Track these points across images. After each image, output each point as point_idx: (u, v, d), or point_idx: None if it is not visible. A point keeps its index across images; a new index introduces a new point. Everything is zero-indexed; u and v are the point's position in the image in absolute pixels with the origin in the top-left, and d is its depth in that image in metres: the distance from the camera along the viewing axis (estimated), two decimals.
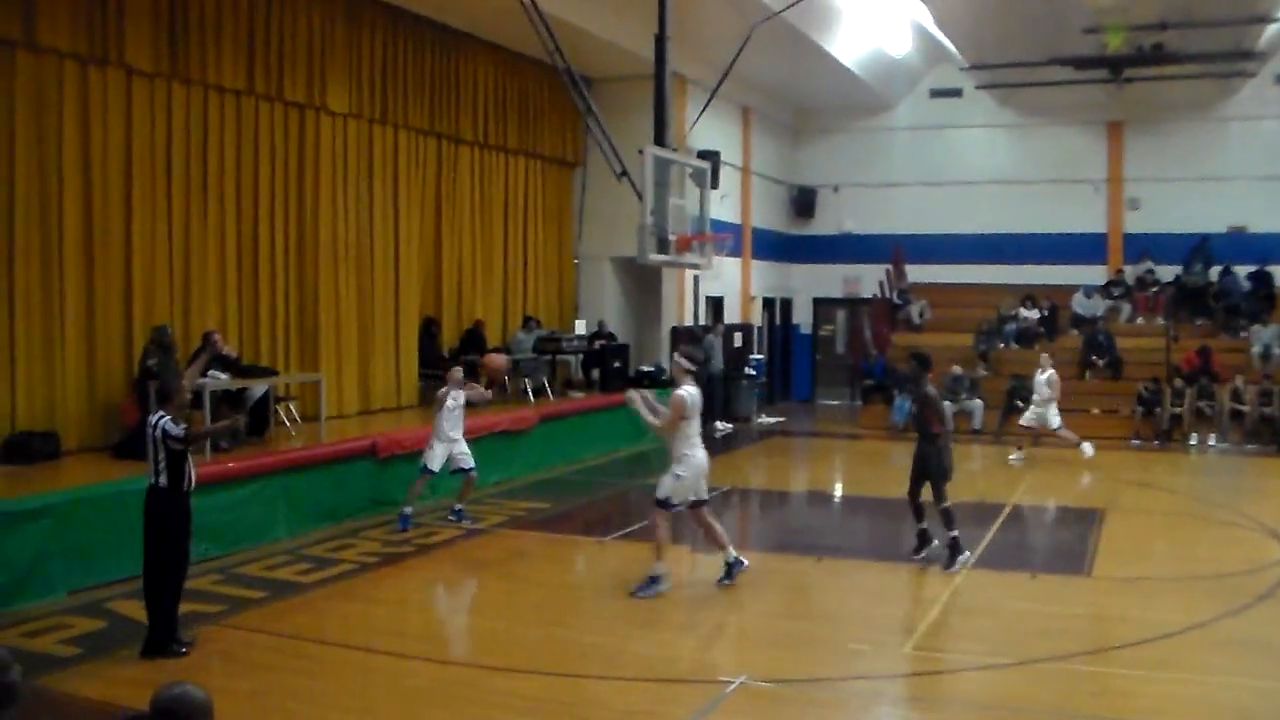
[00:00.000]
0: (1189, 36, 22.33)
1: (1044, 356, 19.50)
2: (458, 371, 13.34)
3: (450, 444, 12.81)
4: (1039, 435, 19.07)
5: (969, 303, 26.17)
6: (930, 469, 11.42)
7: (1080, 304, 25.26)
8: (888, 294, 27.09)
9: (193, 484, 8.48)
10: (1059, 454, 19.52)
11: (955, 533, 11.20)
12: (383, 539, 12.45)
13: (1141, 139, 26.39)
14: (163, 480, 8.21)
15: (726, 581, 10.28)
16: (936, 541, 11.49)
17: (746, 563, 10.48)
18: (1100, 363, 23.45)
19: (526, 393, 18.96)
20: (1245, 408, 21.27)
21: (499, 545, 12.52)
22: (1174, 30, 22.02)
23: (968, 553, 11.35)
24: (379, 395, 17.71)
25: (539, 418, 17.52)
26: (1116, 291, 25.66)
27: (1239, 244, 25.33)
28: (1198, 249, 25.41)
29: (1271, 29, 22.55)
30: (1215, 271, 25.11)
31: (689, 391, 9.97)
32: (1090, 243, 26.66)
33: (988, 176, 27.08)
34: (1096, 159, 26.72)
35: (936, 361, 22.20)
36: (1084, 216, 26.62)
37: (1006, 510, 14.76)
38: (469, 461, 12.91)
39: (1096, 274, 26.38)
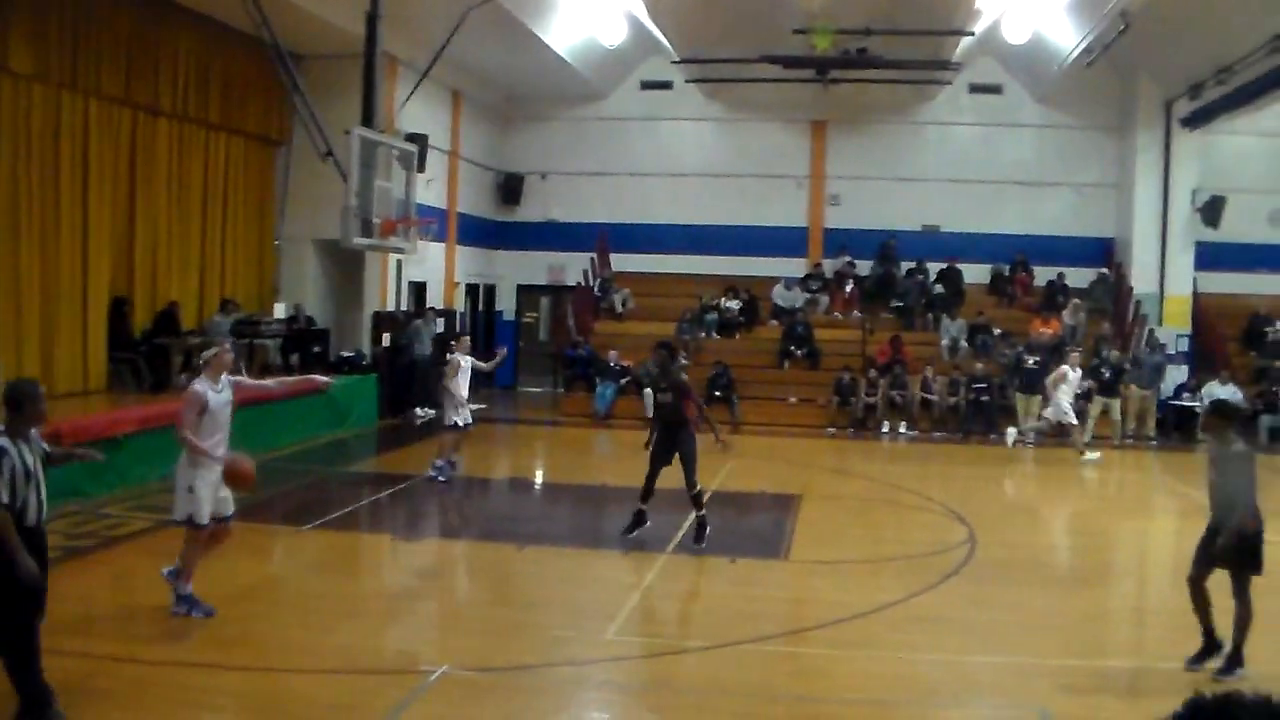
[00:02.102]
0: (892, 43, 24.01)
1: (1072, 358, 20.88)
2: (466, 340, 16.96)
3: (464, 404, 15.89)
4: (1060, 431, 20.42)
5: (673, 292, 27.60)
6: (684, 454, 12.19)
7: (780, 296, 27.05)
8: (591, 282, 28.23)
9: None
10: (768, 441, 21.12)
11: (704, 512, 12.18)
12: (65, 531, 11.86)
13: (843, 138, 28.65)
14: None
15: None
16: (649, 523, 12.24)
17: None
18: (799, 353, 25.22)
19: None
20: (934, 397, 23.47)
21: None
22: (878, 36, 23.59)
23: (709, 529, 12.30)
24: (63, 378, 17.17)
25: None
26: (815, 284, 27.60)
27: (932, 242, 27.98)
28: (886, 245, 27.72)
29: (966, 41, 24.57)
30: (906, 267, 27.63)
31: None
32: (791, 236, 28.54)
33: (695, 169, 28.69)
34: (800, 156, 28.73)
35: (638, 349, 23.40)
36: (786, 211, 28.57)
37: (706, 496, 15.38)
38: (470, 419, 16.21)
39: (797, 267, 28.25)
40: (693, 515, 12.35)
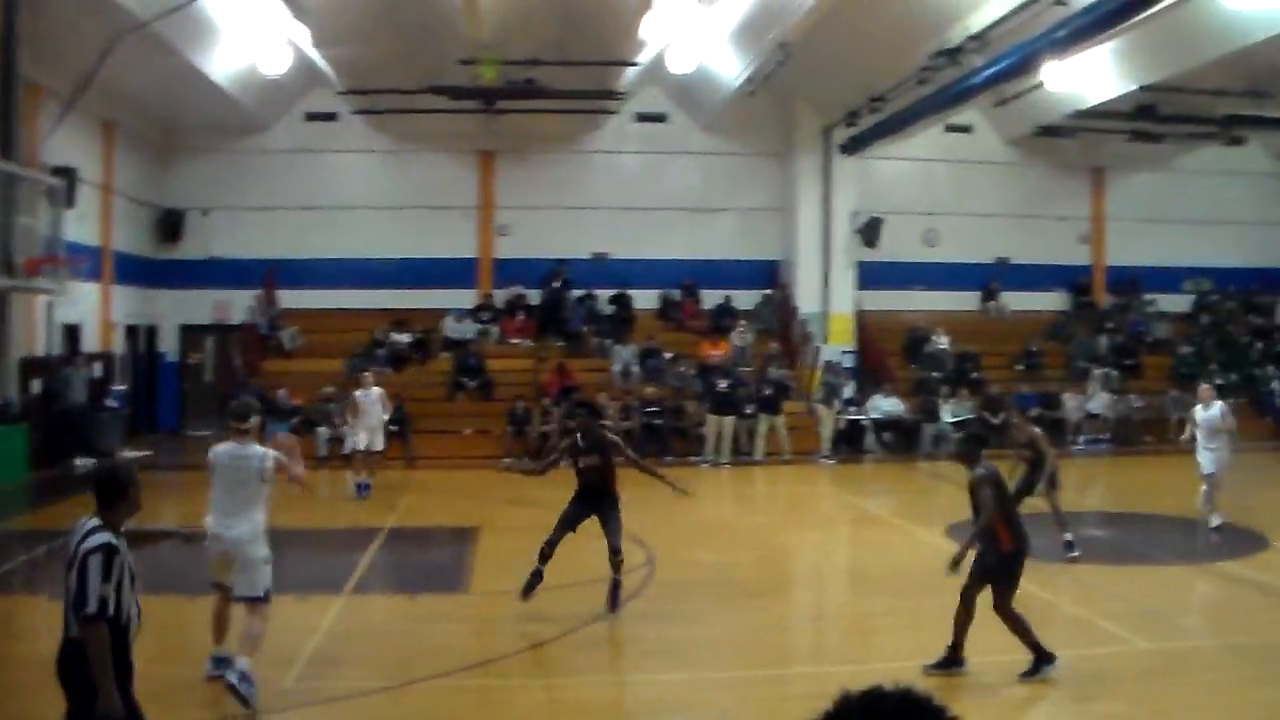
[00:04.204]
0: (559, 74, 25.20)
1: (1204, 388, 17.63)
2: (369, 376, 20.15)
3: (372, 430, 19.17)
4: None
5: (343, 327, 28.11)
6: (611, 520, 11.86)
7: (452, 328, 28.06)
8: (258, 320, 28.37)
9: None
10: (444, 475, 21.94)
11: (621, 577, 11.74)
12: None
13: (512, 168, 29.88)
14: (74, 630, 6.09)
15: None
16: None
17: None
18: (471, 385, 26.20)
19: None
20: (608, 423, 25.90)
21: None
22: (545, 67, 24.89)
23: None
24: None
25: None
26: (486, 315, 28.73)
27: (601, 269, 29.67)
28: (553, 273, 29.12)
29: (631, 72, 26.18)
30: (576, 295, 29.08)
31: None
32: (462, 267, 29.60)
33: (362, 202, 29.19)
34: (469, 186, 29.85)
35: (306, 387, 24.16)
36: (456, 242, 29.60)
37: (383, 534, 16.03)
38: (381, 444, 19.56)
39: (468, 298, 29.36)
40: (610, 578, 11.78)
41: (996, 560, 9.49)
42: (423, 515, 18.19)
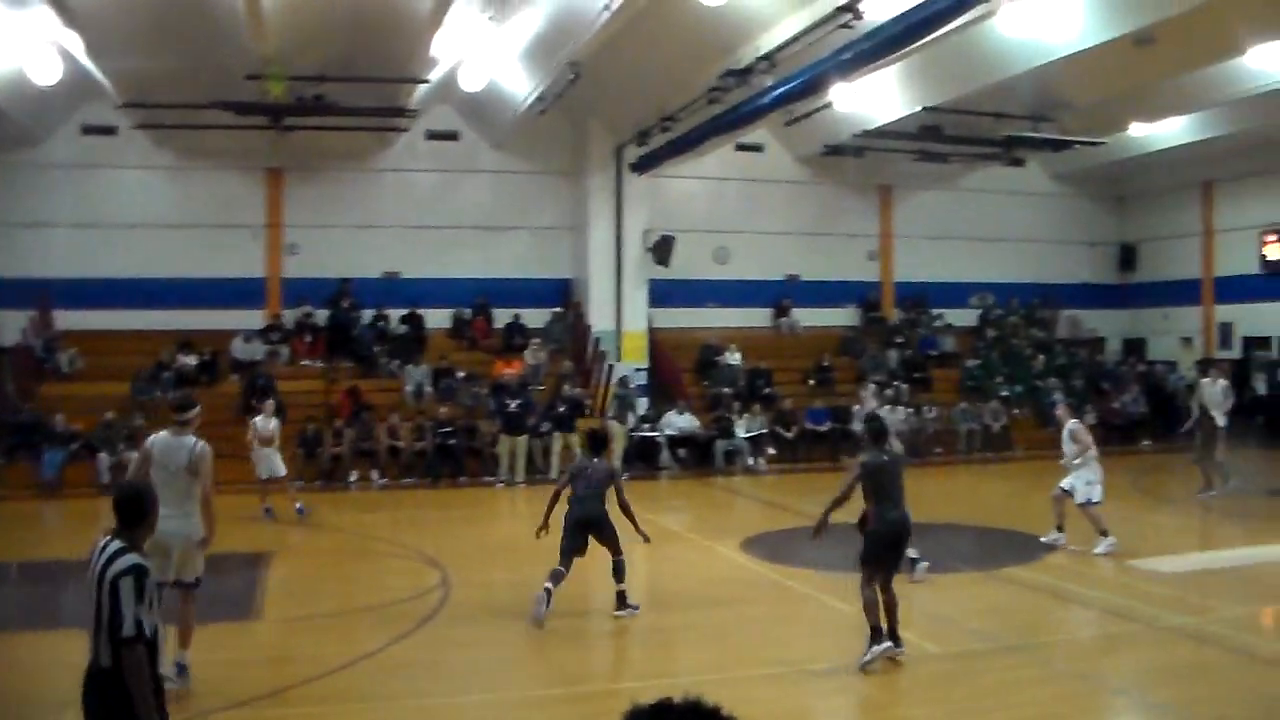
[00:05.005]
0: (349, 90, 25.21)
1: (1061, 408, 18.31)
2: (270, 404, 20.85)
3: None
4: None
5: (126, 350, 27.29)
6: (609, 538, 12.80)
7: (240, 349, 27.71)
8: (32, 342, 27.31)
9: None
10: (235, 499, 21.20)
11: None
12: None
13: (301, 186, 29.73)
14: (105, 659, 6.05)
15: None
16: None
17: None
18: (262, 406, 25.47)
19: None
20: (401, 444, 24.93)
21: None
22: (334, 83, 24.86)
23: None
24: None
25: None
26: (276, 336, 28.44)
27: (393, 289, 29.80)
28: (340, 292, 29.17)
29: (422, 89, 26.30)
30: (369, 314, 29.21)
31: None
32: (250, 287, 29.19)
33: (146, 220, 28.55)
34: (256, 204, 29.52)
35: (88, 412, 23.63)
36: (244, 261, 29.19)
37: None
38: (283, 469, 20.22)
39: (256, 318, 29.04)
40: (617, 588, 12.78)
41: (864, 539, 10.95)
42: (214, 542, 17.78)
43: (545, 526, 12.93)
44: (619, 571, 12.82)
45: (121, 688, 5.86)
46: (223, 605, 12.97)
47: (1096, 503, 16.34)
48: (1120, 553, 15.86)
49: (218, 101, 25.13)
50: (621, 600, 12.85)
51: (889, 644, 10.57)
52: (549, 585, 12.30)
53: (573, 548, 12.64)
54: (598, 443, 13.41)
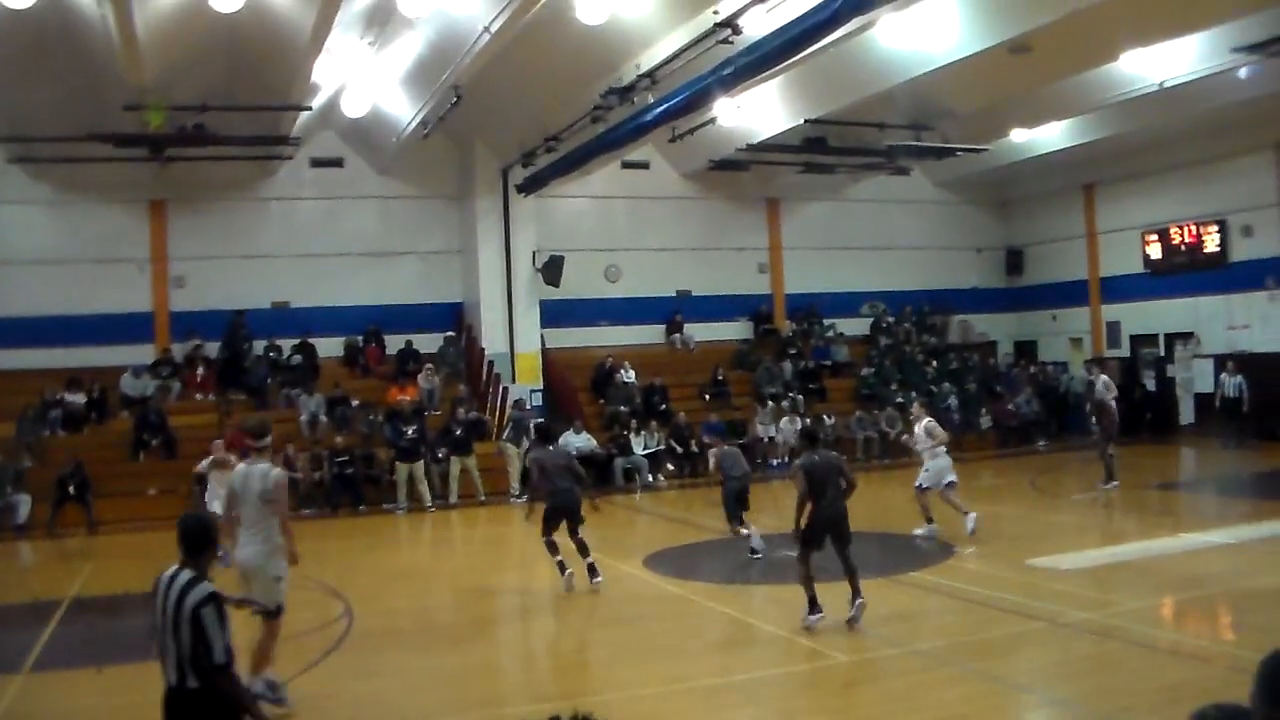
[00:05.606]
0: (230, 119, 25.26)
1: (916, 406, 20.13)
2: (219, 445, 19.68)
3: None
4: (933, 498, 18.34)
5: (10, 389, 26.72)
6: (577, 520, 15.20)
7: (129, 385, 27.37)
8: None
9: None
10: (131, 539, 21.50)
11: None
12: None
13: (185, 217, 29.45)
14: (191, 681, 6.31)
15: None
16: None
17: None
18: (153, 442, 25.69)
19: None
20: (298, 475, 24.42)
21: None
22: (215, 112, 24.87)
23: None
24: None
25: None
26: (166, 370, 28.18)
27: (283, 318, 29.71)
28: (235, 324, 28.95)
29: (305, 116, 26.26)
30: (260, 345, 29.09)
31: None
32: (136, 322, 28.88)
33: (26, 256, 27.95)
34: (140, 237, 29.19)
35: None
36: (129, 296, 28.83)
37: (65, 605, 15.60)
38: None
39: (145, 353, 28.77)
40: (585, 562, 15.10)
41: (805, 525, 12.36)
42: (109, 582, 17.60)
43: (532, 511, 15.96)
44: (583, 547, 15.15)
45: (211, 706, 6.22)
46: (123, 647, 12.81)
47: (951, 482, 17.95)
48: (1019, 551, 16.49)
49: (96, 133, 24.94)
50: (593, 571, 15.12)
51: (821, 614, 12.25)
52: (557, 559, 15.18)
53: (551, 528, 15.20)
54: (547, 435, 17.34)
